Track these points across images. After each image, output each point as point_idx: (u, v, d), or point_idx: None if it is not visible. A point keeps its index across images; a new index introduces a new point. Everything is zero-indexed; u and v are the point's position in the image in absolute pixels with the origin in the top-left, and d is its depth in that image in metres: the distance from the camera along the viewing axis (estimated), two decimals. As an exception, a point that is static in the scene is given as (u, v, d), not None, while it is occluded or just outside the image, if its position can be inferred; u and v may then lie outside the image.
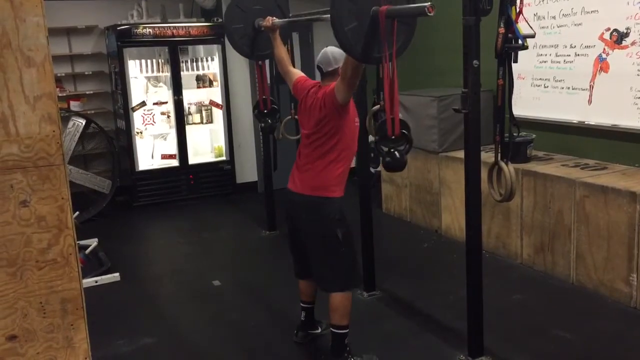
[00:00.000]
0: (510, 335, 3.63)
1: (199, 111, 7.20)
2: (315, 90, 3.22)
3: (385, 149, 2.81)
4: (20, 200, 1.97)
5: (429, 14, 2.46)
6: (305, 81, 3.40)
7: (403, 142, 2.82)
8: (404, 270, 4.71)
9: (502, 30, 2.99)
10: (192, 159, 7.08)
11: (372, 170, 6.20)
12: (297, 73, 3.54)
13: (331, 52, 3.19)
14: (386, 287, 4.33)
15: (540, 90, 5.03)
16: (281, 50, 3.70)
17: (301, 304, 3.64)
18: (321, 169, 3.16)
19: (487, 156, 3.63)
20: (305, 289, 3.59)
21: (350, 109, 3.14)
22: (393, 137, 2.80)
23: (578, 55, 4.64)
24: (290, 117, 5.16)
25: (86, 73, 6.88)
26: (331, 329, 3.28)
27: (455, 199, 5.18)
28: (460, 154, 3.48)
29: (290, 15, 4.92)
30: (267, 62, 4.95)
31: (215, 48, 6.98)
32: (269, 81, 5.01)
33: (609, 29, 4.36)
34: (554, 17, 4.80)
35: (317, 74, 3.33)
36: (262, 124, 4.82)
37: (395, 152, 2.79)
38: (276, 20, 3.84)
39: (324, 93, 3.10)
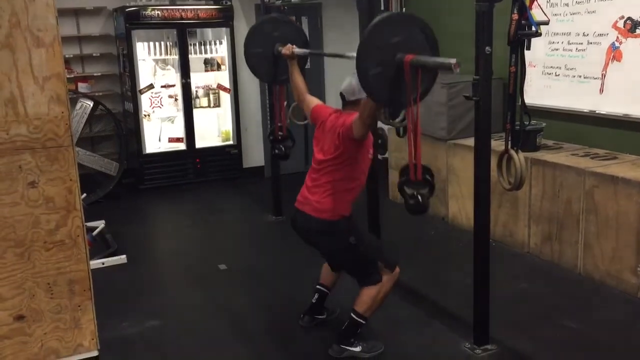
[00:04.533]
0: (516, 324, 3.63)
1: (207, 95, 7.18)
2: (337, 116, 3.27)
3: (409, 192, 2.79)
4: (29, 181, 1.97)
5: (455, 70, 2.44)
6: (325, 108, 3.47)
7: (426, 186, 2.80)
8: (410, 258, 4.69)
9: (515, 16, 2.95)
10: (199, 143, 7.07)
11: (380, 157, 6.16)
12: (314, 101, 3.59)
13: (356, 82, 3.19)
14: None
15: (551, 78, 4.97)
16: (298, 78, 3.74)
17: (317, 286, 3.65)
18: (329, 194, 3.20)
19: (496, 144, 3.59)
20: (327, 275, 3.63)
21: (367, 140, 3.18)
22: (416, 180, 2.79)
23: (590, 43, 4.58)
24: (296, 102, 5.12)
25: (94, 55, 6.86)
26: (352, 313, 3.29)
27: (463, 186, 5.16)
28: (469, 141, 3.46)
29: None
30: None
31: (224, 31, 6.94)
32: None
33: (622, 17, 4.30)
34: (566, 5, 4.74)
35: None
36: (276, 151, 4.82)
37: (419, 196, 2.78)
38: (296, 49, 3.85)
39: (343, 122, 3.14)
